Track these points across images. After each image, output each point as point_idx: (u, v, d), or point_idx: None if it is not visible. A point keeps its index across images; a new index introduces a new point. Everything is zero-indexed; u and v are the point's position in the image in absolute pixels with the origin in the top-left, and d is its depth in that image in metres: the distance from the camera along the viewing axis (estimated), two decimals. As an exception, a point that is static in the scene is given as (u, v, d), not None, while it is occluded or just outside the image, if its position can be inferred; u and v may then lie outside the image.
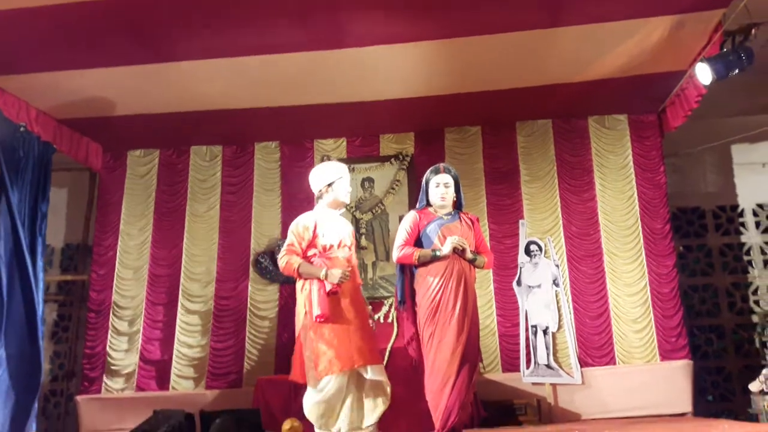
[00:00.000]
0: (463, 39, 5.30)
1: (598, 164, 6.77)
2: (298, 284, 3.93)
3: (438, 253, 3.69)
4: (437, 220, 3.82)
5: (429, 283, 3.69)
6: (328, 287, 3.74)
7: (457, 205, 3.92)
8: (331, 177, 4.00)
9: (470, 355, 3.58)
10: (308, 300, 3.77)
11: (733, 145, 7.15)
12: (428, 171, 3.96)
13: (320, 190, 4.02)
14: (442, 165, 3.94)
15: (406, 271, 3.93)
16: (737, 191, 7.18)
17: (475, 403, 5.03)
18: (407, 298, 3.91)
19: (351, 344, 3.72)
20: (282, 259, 3.88)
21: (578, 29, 5.22)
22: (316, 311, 3.70)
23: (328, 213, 4.01)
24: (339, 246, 3.93)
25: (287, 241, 3.93)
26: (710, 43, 5.33)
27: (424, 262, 3.74)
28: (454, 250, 3.68)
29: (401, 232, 3.88)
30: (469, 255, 3.70)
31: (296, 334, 3.91)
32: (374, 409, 3.87)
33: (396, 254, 3.84)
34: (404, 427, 5.22)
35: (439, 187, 3.85)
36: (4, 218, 5.92)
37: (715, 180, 7.27)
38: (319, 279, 3.75)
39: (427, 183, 3.93)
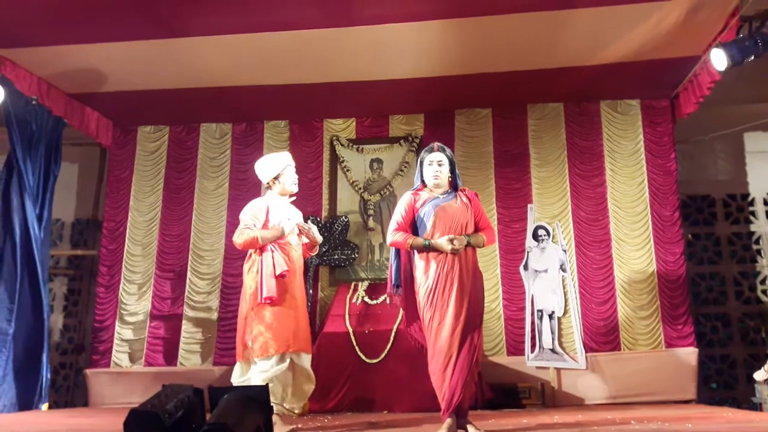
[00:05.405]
0: (476, 19, 5.24)
1: (609, 149, 6.73)
2: (246, 266, 4.09)
3: (430, 244, 3.65)
4: (432, 200, 3.77)
5: (425, 266, 3.67)
6: (278, 271, 3.91)
7: (453, 186, 3.87)
8: (278, 168, 4.19)
9: (471, 334, 3.56)
10: (256, 281, 3.94)
11: (745, 133, 7.08)
12: (423, 151, 3.93)
13: (268, 183, 4.22)
14: (436, 144, 3.88)
15: (402, 255, 3.90)
16: (748, 180, 7.11)
17: (480, 384, 5.06)
18: (403, 282, 3.88)
19: (289, 328, 3.89)
20: (240, 237, 4.00)
21: (593, 11, 5.16)
22: (265, 293, 3.86)
23: (278, 200, 4.20)
24: (290, 232, 4.11)
25: (241, 224, 4.08)
26: (726, 29, 5.26)
27: (418, 249, 3.73)
28: (452, 251, 3.61)
29: (396, 215, 3.83)
30: (462, 246, 3.63)
31: (242, 316, 4.06)
32: (304, 395, 4.05)
33: (389, 238, 3.81)
34: (408, 406, 5.28)
35: (432, 165, 3.80)
36: (16, 194, 5.95)
37: (726, 168, 7.21)
38: (273, 261, 3.92)
39: (421, 162, 3.89)
